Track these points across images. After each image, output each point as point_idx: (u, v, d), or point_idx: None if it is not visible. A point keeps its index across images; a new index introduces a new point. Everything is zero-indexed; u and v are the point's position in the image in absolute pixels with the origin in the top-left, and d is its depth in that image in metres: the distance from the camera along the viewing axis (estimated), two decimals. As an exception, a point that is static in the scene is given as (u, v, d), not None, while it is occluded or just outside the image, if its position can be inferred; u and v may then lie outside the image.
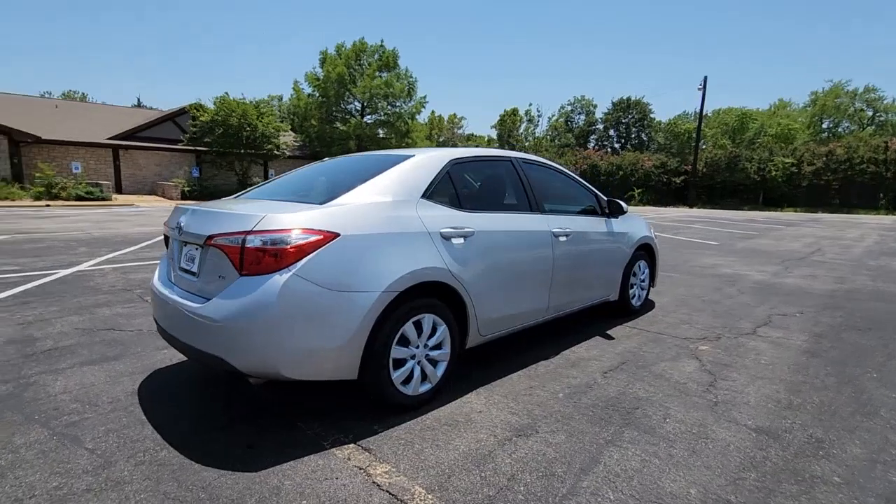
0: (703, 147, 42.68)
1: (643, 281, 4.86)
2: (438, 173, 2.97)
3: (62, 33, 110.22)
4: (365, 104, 34.66)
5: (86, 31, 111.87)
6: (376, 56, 34.90)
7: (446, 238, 2.79)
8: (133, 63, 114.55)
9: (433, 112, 79.84)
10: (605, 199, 4.25)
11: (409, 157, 3.02)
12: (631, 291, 4.66)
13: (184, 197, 24.86)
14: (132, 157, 26.49)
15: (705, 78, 32.80)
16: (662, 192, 34.00)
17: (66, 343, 3.67)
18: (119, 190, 25.90)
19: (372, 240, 2.47)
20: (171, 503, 1.92)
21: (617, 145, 67.88)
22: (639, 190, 33.72)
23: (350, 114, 34.14)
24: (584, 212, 4.16)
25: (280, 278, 2.20)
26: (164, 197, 25.25)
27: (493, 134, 79.47)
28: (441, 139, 79.29)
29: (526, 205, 3.50)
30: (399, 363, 2.62)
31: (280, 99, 60.77)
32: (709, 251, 9.58)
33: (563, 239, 3.63)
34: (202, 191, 25.60)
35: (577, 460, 2.25)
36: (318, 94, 34.15)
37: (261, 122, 26.48)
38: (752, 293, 5.82)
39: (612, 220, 4.34)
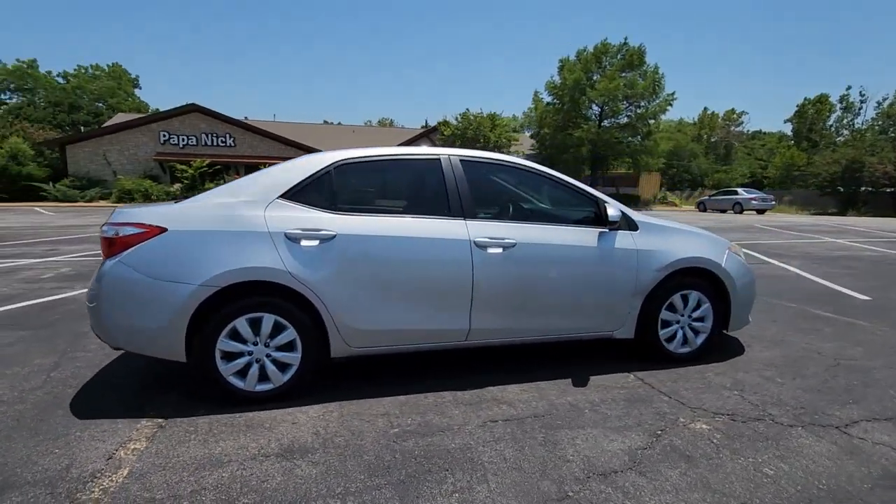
0: None
1: (697, 320, 3.48)
2: (313, 174, 2.91)
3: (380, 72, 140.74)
4: (604, 107, 33.14)
5: (395, 70, 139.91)
6: (619, 56, 32.93)
7: (293, 239, 2.73)
8: (425, 91, 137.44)
9: (705, 109, 70.53)
10: (608, 205, 3.24)
11: (295, 158, 3.06)
12: (666, 332, 3.42)
13: (426, 202, 28.83)
14: (395, 169, 32.14)
15: None
16: None
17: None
18: (384, 196, 31.78)
19: (198, 236, 2.66)
20: (11, 423, 2.55)
21: None
22: None
23: (587, 119, 33.17)
24: (564, 221, 3.29)
25: (109, 263, 2.63)
26: (412, 202, 29.82)
27: (788, 129, 64.89)
28: (713, 139, 69.26)
29: (445, 209, 3.04)
30: (231, 356, 2.73)
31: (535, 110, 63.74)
32: None
33: (494, 251, 3.00)
34: (441, 197, 29.15)
35: (277, 499, 1.96)
36: (556, 102, 34.38)
37: (493, 133, 28.39)
38: (973, 369, 3.43)
39: (620, 233, 3.29)
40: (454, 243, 2.95)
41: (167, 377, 3.17)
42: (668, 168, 54.17)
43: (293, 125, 35.92)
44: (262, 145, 28.58)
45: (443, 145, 29.68)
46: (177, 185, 25.63)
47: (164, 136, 27.12)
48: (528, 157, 33.56)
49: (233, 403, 2.76)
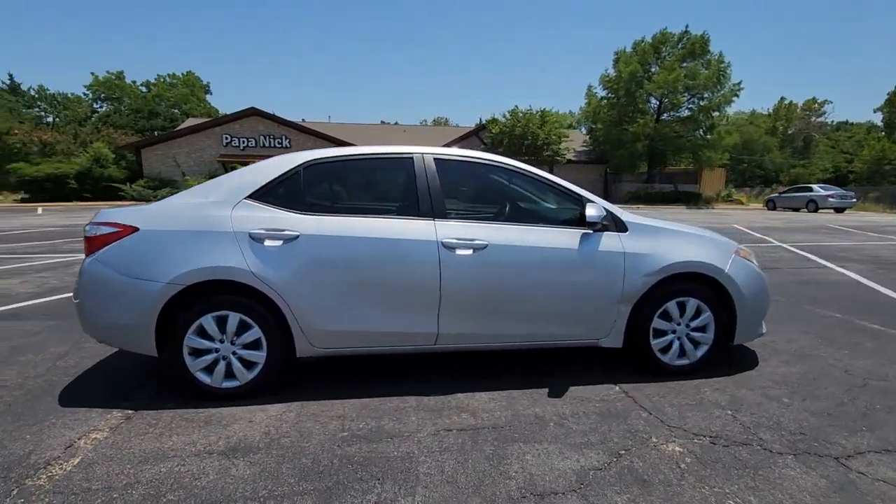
0: None
1: (696, 330, 3.19)
2: (281, 175, 2.93)
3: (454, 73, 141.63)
4: (662, 100, 31.52)
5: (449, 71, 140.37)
6: (680, 45, 31.19)
7: (257, 239, 2.76)
8: (484, 90, 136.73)
9: (781, 99, 65.47)
10: (589, 204, 3.03)
11: (269, 159, 3.09)
12: (659, 342, 3.16)
13: (473, 200, 28.69)
14: (443, 168, 32.27)
15: None
16: None
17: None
18: (433, 194, 31.96)
19: (167, 235, 2.75)
20: (2, 408, 2.75)
21: None
22: None
23: (644, 113, 31.67)
24: (545, 221, 3.11)
25: (87, 261, 2.77)
26: (460, 200, 29.75)
27: (878, 119, 58.90)
28: (790, 131, 64.27)
29: (414, 209, 2.95)
30: (199, 352, 2.79)
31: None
32: None
33: (464, 252, 2.88)
34: (489, 195, 28.95)
35: (202, 498, 1.98)
36: (611, 96, 33.12)
37: (542, 129, 27.76)
38: None
39: (606, 234, 3.07)
40: (421, 244, 2.87)
41: (157, 370, 3.30)
42: (737, 163, 50.82)
43: (346, 126, 36.94)
44: (316, 146, 29.58)
45: (490, 143, 29.42)
46: (237, 185, 27.04)
47: (227, 138, 28.74)
48: (579, 155, 32.48)
49: (200, 399, 2.83)
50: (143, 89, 59.63)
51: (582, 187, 3.21)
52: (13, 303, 5.11)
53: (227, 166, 28.77)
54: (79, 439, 2.42)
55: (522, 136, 27.50)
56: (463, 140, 32.31)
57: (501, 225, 3.02)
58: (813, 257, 8.61)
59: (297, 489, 2.04)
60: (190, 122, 35.54)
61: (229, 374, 2.84)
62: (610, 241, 3.06)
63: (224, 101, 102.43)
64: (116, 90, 58.19)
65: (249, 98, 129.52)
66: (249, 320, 2.79)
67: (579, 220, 3.08)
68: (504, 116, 29.12)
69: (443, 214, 2.96)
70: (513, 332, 3.04)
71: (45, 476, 2.11)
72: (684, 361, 3.21)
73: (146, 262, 2.71)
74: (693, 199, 30.15)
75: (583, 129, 41.29)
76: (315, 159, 3.00)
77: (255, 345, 2.84)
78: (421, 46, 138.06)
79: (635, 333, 3.13)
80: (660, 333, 3.16)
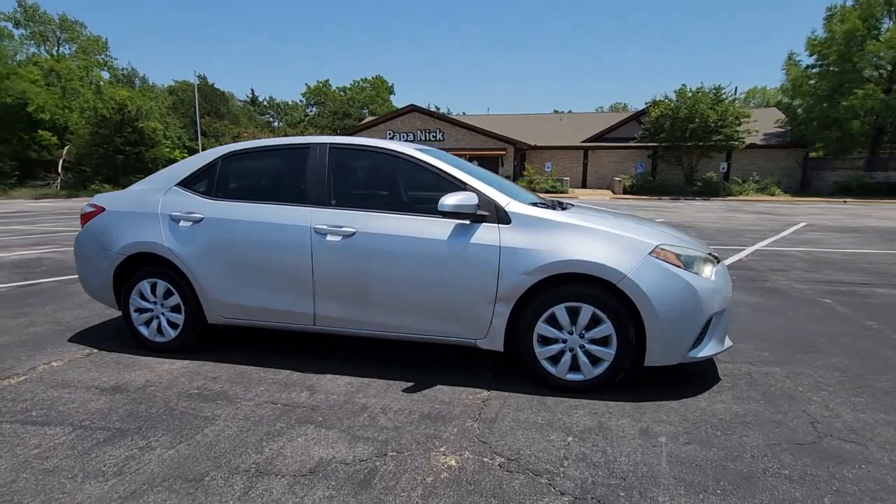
0: None
1: (595, 343, 2.68)
2: (204, 165, 3.38)
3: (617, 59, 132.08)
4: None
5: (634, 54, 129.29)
6: (930, -12, 23.66)
7: (174, 220, 3.27)
8: (663, 71, 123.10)
9: None
10: (454, 193, 2.77)
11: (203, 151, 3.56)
12: (547, 350, 2.76)
13: (625, 192, 26.41)
14: (597, 156, 30.37)
15: None
16: None
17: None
18: (584, 185, 30.44)
19: (121, 215, 3.44)
20: (40, 337, 3.80)
21: None
22: None
23: (865, 81, 24.93)
24: (425, 210, 2.94)
25: (79, 231, 3.63)
26: (612, 191, 27.70)
27: None
28: None
29: (300, 196, 3.12)
30: (141, 311, 3.45)
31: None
32: None
33: (332, 238, 2.95)
34: (644, 185, 26.30)
35: (51, 417, 2.54)
36: (820, 63, 26.89)
37: (714, 110, 24.05)
38: None
39: (483, 226, 2.79)
40: (296, 229, 3.03)
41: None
42: None
43: (501, 116, 37.35)
44: (466, 138, 30.70)
45: (649, 127, 26.64)
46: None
47: (390, 133, 31.69)
48: (768, 138, 27.22)
49: (143, 349, 3.48)
50: (342, 94, 69.19)
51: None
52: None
53: (390, 159, 31.79)
54: (43, 365, 3.25)
55: (688, 118, 24.24)
56: (619, 126, 29.93)
57: (373, 213, 2.99)
58: None
59: (107, 426, 2.45)
60: (367, 120, 40.10)
61: (159, 331, 3.43)
62: (485, 234, 2.78)
63: (405, 100, 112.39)
64: (322, 96, 68.73)
65: (428, 94, 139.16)
66: (172, 288, 3.34)
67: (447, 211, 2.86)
68: (666, 98, 26.05)
69: (323, 202, 3.07)
70: (385, 322, 3.00)
71: (-6, 386, 2.93)
72: (577, 377, 2.75)
73: (107, 235, 3.45)
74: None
75: (795, 103, 34.05)
76: (232, 151, 3.39)
77: (177, 309, 3.37)
78: (606, 31, 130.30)
79: (518, 338, 2.80)
80: (547, 341, 2.77)
